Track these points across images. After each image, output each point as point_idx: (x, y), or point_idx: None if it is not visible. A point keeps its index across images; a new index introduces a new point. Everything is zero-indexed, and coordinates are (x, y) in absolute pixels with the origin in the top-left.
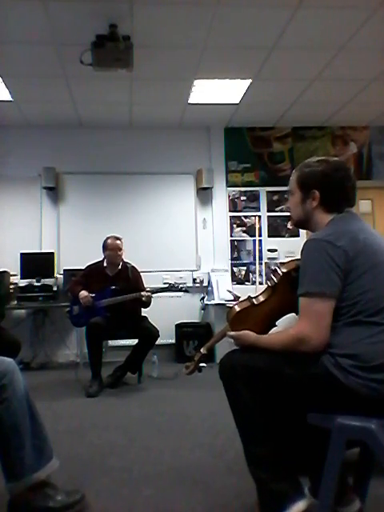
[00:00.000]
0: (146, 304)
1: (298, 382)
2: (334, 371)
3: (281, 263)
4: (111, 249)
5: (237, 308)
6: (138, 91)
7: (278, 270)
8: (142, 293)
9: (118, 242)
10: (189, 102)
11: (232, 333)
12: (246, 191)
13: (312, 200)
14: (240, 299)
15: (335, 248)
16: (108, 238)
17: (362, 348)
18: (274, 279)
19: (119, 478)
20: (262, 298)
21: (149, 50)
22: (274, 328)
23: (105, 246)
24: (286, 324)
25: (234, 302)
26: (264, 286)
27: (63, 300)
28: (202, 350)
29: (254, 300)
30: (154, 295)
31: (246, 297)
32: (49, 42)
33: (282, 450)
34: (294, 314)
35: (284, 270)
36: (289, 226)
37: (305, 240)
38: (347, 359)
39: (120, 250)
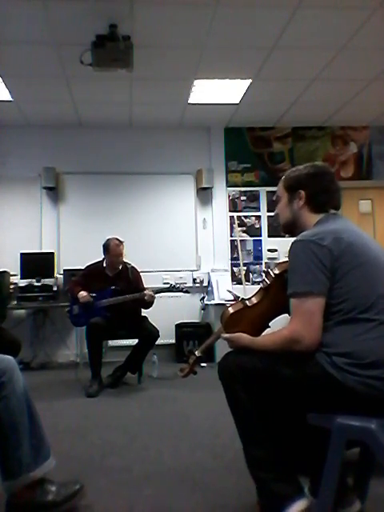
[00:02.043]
0: (149, 304)
1: (296, 383)
2: (330, 370)
3: (277, 263)
4: (114, 255)
5: (230, 310)
6: (138, 91)
7: (271, 271)
8: (145, 292)
9: (121, 247)
10: (189, 102)
11: (226, 335)
12: (245, 191)
13: (298, 200)
14: (239, 299)
15: (320, 247)
16: (110, 241)
17: (356, 345)
18: (267, 281)
19: (119, 478)
20: (255, 300)
21: (149, 49)
22: (268, 329)
23: (107, 250)
24: (279, 325)
25: (230, 303)
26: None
27: (63, 300)
28: (196, 353)
29: (247, 302)
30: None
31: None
32: (49, 42)
33: (282, 451)
34: (287, 315)
35: (276, 272)
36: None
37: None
38: (342, 357)
39: (122, 255)
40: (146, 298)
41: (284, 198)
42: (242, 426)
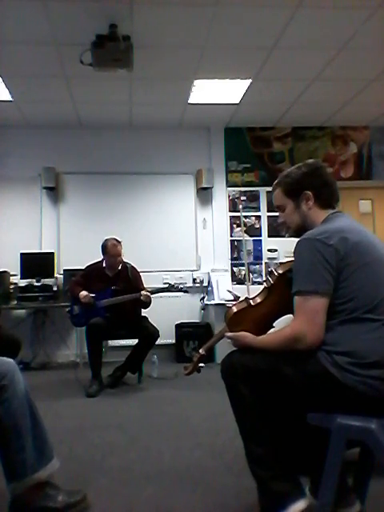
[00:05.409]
0: (146, 304)
1: (297, 382)
2: (331, 369)
3: (280, 263)
4: (112, 255)
5: (234, 309)
6: (138, 91)
7: (274, 271)
8: (142, 293)
9: (118, 247)
10: (189, 101)
11: (229, 334)
12: (246, 191)
13: (306, 201)
14: (239, 300)
15: (326, 246)
16: (108, 242)
17: (358, 345)
18: (271, 280)
19: (119, 478)
20: (258, 299)
21: (149, 50)
22: (272, 329)
23: (105, 251)
24: (283, 325)
25: (233, 303)
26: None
27: (63, 300)
28: (200, 351)
29: (251, 301)
30: (154, 295)
31: (243, 298)
32: (49, 42)
33: (283, 450)
34: (291, 315)
35: (280, 271)
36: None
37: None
38: (344, 357)
39: (119, 255)
40: (141, 298)
41: (289, 205)
42: (244, 424)
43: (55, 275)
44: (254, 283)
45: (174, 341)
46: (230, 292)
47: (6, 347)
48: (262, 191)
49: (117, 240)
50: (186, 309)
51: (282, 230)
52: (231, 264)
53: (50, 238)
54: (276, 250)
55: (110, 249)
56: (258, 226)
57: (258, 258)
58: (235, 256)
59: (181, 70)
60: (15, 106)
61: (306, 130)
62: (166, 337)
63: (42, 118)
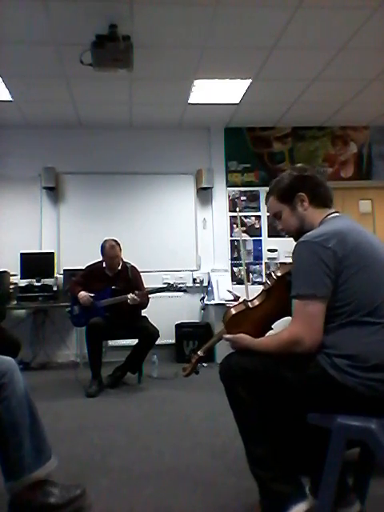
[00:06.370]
0: (142, 305)
1: (296, 384)
2: (331, 371)
3: (280, 265)
4: (109, 256)
5: (232, 311)
6: (138, 91)
7: (273, 273)
8: (129, 295)
9: (116, 248)
10: (189, 101)
11: (228, 335)
12: (245, 191)
13: (301, 202)
14: (239, 301)
15: (325, 249)
16: (106, 243)
17: (358, 348)
18: (269, 283)
19: (119, 478)
20: (257, 302)
21: (149, 49)
22: (270, 331)
23: (103, 252)
24: (282, 327)
25: (233, 304)
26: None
27: (63, 300)
28: (199, 353)
29: (249, 303)
30: (153, 295)
31: (242, 299)
32: (49, 41)
33: (282, 450)
34: (290, 317)
35: (279, 274)
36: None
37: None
38: (343, 360)
39: (117, 256)
40: (128, 301)
41: (285, 210)
42: (243, 425)
43: (55, 275)
44: (253, 283)
45: (174, 341)
46: (229, 292)
47: (6, 348)
48: (262, 191)
49: (115, 241)
50: (185, 309)
51: (283, 235)
52: (231, 264)
53: (50, 238)
54: (276, 250)
55: (108, 250)
56: (257, 226)
57: (257, 258)
58: (235, 256)
59: (181, 70)
60: (15, 105)
61: (306, 130)
62: (166, 337)
63: (42, 118)
